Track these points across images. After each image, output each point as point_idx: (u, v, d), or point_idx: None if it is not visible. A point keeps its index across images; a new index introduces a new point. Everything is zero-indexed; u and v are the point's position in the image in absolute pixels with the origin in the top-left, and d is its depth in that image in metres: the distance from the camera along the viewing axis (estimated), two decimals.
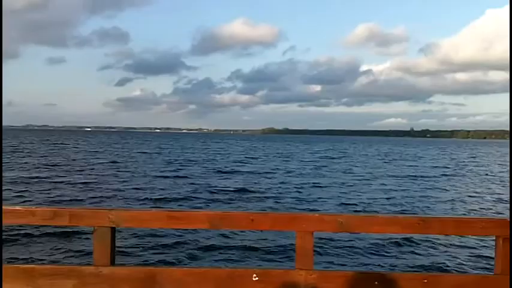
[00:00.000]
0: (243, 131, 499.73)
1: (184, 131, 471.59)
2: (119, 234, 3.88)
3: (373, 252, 9.89)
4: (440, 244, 10.37)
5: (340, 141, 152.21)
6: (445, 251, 10.07)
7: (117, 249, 2.44)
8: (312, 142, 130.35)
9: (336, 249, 9.89)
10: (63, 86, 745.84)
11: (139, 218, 2.51)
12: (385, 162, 44.17)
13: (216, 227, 2.42)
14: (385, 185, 23.29)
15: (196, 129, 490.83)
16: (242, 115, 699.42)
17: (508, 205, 16.59)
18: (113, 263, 2.38)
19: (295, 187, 21.22)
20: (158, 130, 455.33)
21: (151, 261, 8.78)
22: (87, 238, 9.38)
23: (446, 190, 21.95)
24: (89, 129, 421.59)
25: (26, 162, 30.15)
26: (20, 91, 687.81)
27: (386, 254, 9.88)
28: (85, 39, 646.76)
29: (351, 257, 9.59)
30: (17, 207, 2.43)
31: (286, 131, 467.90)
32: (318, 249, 9.33)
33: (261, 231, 9.24)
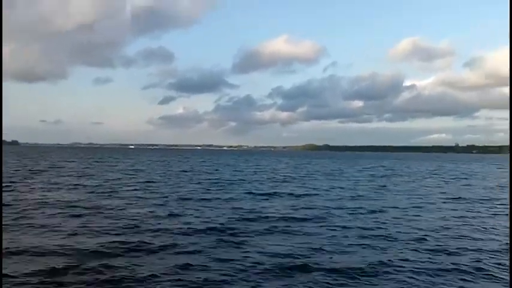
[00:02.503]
0: (283, 147, 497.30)
1: (224, 147, 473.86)
2: None
3: None
4: None
5: (382, 158, 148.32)
6: None
7: None
8: (355, 159, 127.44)
9: None
10: (109, 105, 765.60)
11: None
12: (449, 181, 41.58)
13: None
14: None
15: (236, 146, 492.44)
16: (282, 132, 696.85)
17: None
18: None
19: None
20: (199, 147, 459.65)
21: None
22: None
23: None
24: (132, 146, 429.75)
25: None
26: (68, 110, 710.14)
27: None
28: (131, 59, 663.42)
29: None
30: None
31: (326, 147, 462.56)
32: None
33: None
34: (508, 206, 15.71)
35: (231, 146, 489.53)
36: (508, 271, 8.56)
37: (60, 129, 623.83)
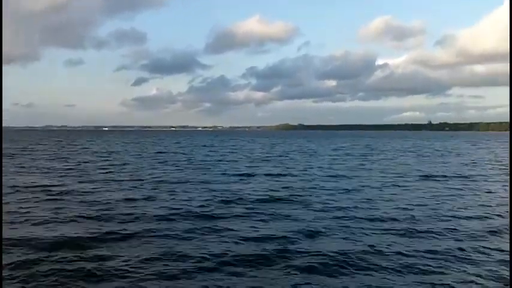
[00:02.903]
0: (258, 127, 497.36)
1: (199, 128, 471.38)
2: None
3: None
4: None
5: (357, 137, 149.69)
6: None
7: None
8: (332, 138, 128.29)
9: None
10: (81, 87, 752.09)
11: None
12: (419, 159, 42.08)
13: None
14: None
15: (211, 127, 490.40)
16: (257, 112, 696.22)
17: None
18: None
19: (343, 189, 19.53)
20: (174, 128, 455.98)
21: None
22: None
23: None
24: (106, 128, 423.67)
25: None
26: (40, 93, 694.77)
27: None
28: (103, 40, 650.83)
29: None
30: None
31: (301, 127, 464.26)
32: None
33: None
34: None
35: (205, 127, 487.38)
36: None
37: (32, 112, 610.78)
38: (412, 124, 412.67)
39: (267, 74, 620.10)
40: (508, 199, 16.71)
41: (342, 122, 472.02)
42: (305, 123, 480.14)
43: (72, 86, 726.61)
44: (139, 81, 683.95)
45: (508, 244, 10.17)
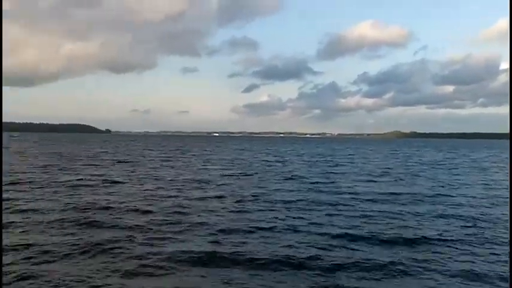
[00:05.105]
0: (368, 135, 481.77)
1: (307, 135, 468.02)
2: None
3: None
4: None
5: (490, 146, 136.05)
6: None
7: None
8: (458, 147, 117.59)
9: None
10: (194, 94, 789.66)
11: None
12: None
13: None
14: None
15: (319, 134, 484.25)
16: (367, 118, 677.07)
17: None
18: None
19: None
20: (282, 135, 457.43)
21: None
22: None
23: None
24: (217, 134, 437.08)
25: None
26: (156, 100, 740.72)
27: None
28: (216, 48, 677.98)
29: None
30: None
31: (414, 135, 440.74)
32: None
33: None
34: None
35: (313, 134, 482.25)
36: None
37: (149, 118, 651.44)
38: None
39: (379, 79, 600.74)
40: (508, 199, 16.51)
41: (459, 130, 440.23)
42: (418, 131, 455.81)
43: (186, 93, 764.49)
44: (250, 88, 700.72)
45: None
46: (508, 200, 16.06)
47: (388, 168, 37.97)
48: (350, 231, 12.46)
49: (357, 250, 10.69)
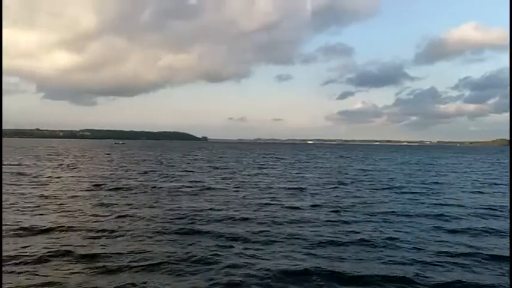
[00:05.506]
0: (470, 143, 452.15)
1: (404, 143, 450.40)
2: None
3: None
4: None
5: None
6: None
7: None
8: None
9: None
10: (289, 102, 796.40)
11: None
12: None
13: None
14: None
15: (417, 142, 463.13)
16: (469, 126, 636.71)
17: None
18: None
19: None
20: (378, 142, 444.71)
21: None
22: None
23: None
24: (311, 142, 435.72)
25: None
26: (251, 108, 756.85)
27: None
28: (310, 55, 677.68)
29: None
30: None
31: None
32: None
33: None
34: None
35: (411, 142, 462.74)
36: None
37: (244, 126, 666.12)
38: None
39: (483, 84, 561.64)
40: (508, 199, 16.74)
41: None
42: None
43: (281, 101, 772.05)
44: (344, 95, 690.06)
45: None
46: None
47: (495, 178, 35.08)
48: (453, 249, 11.45)
49: (466, 271, 9.75)
